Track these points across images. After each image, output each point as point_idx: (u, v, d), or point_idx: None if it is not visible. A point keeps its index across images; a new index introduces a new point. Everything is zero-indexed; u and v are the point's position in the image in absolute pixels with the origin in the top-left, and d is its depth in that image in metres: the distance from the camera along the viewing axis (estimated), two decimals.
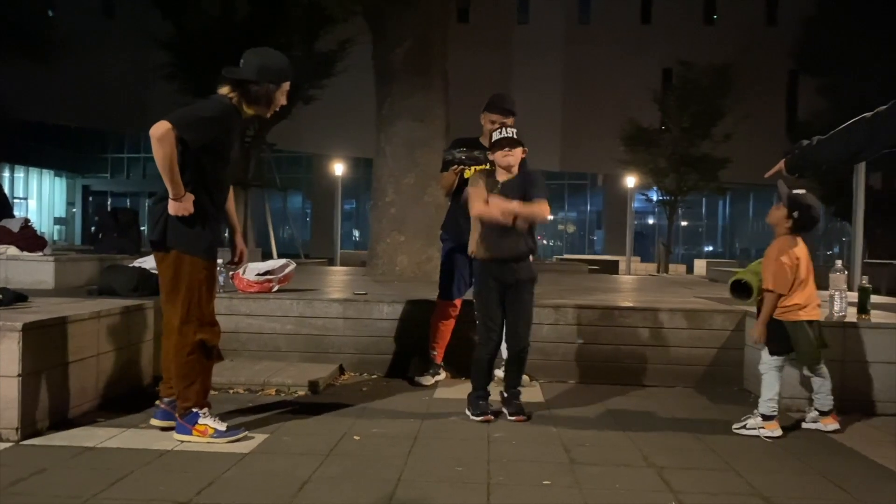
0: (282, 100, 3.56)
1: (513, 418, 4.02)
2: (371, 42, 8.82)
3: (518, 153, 4.01)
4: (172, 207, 3.34)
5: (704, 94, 22.08)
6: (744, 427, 3.88)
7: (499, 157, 4.01)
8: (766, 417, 3.84)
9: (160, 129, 3.20)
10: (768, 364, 3.90)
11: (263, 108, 3.54)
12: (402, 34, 8.38)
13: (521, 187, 3.97)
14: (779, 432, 3.81)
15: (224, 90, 3.46)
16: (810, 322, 3.85)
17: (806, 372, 4.02)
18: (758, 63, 24.98)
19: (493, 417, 3.99)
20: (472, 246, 4.07)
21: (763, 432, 3.81)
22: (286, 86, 3.54)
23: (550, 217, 4.14)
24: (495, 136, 4.03)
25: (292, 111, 20.81)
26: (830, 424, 3.93)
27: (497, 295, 4.00)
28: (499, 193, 3.91)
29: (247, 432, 3.56)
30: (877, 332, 4.49)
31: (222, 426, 3.50)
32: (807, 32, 23.08)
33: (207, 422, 3.48)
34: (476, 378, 4.11)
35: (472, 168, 4.65)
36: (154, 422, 3.67)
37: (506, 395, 4.13)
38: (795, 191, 3.92)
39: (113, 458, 3.22)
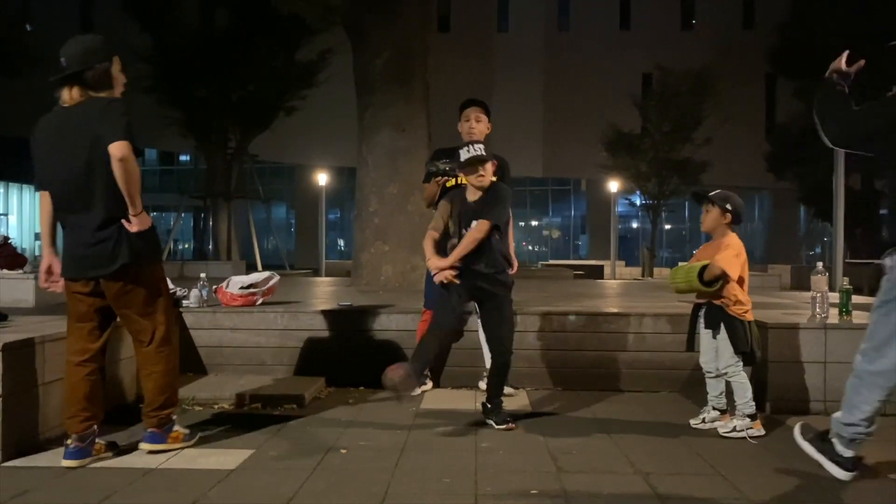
0: (121, 76, 3.42)
1: (502, 427, 4.02)
2: (351, 52, 8.83)
3: (490, 170, 4.03)
4: (139, 223, 3.24)
5: (684, 98, 22.26)
6: (733, 430, 3.91)
7: (473, 180, 4.03)
8: (752, 417, 3.91)
9: (125, 149, 3.11)
10: (735, 366, 3.94)
11: (111, 91, 3.37)
12: (382, 44, 8.40)
13: (478, 211, 4.01)
14: (763, 431, 3.89)
15: (66, 94, 3.30)
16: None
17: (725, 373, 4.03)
18: (736, 67, 25.26)
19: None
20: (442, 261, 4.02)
21: (751, 432, 3.86)
22: (117, 60, 3.41)
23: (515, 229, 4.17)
24: (464, 154, 4.00)
25: (274, 122, 20.85)
26: (730, 423, 3.99)
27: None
28: (456, 220, 4.03)
29: (196, 437, 3.66)
30: (859, 333, 4.51)
31: (186, 430, 3.62)
32: (783, 36, 23.38)
33: (179, 427, 3.57)
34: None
35: (455, 180, 4.65)
36: (67, 462, 3.30)
37: (490, 405, 4.13)
38: (711, 193, 4.07)
39: (96, 477, 3.18)
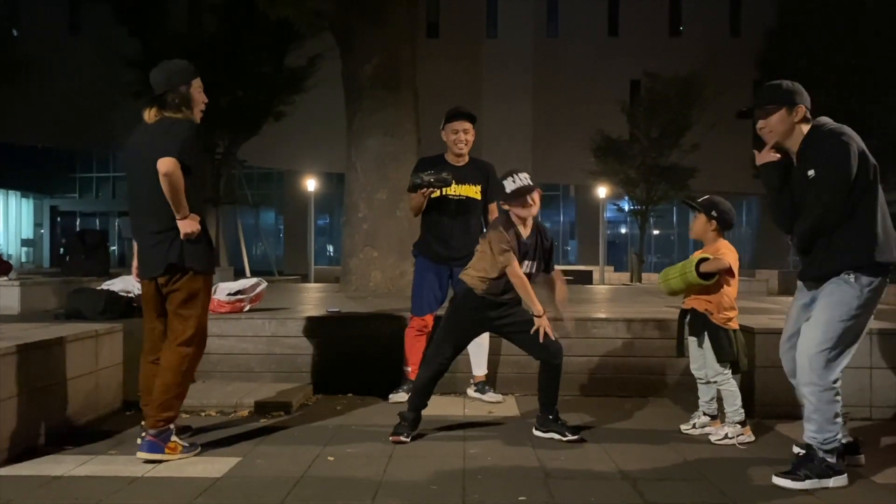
0: (200, 97, 3.71)
1: (573, 438, 3.88)
2: (340, 58, 8.82)
3: (538, 200, 3.87)
4: (185, 226, 3.50)
5: (672, 104, 22.37)
6: (725, 437, 3.91)
7: (521, 211, 3.83)
8: (742, 424, 3.92)
9: (169, 165, 3.40)
10: (724, 375, 3.95)
11: (189, 112, 3.66)
12: (371, 50, 8.39)
13: (539, 247, 3.93)
14: (752, 437, 3.90)
15: (146, 113, 3.64)
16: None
17: (714, 379, 4.01)
18: (723, 74, 25.38)
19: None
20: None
21: (741, 438, 3.87)
22: (197, 83, 3.70)
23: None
24: (511, 185, 3.79)
25: (263, 127, 20.80)
26: (721, 430, 3.96)
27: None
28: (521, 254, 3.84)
29: (198, 448, 3.65)
30: None
31: (187, 443, 3.61)
32: (769, 44, 23.57)
33: (177, 440, 3.56)
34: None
35: (440, 190, 4.64)
36: (141, 455, 3.48)
37: (552, 416, 3.99)
38: (699, 199, 4.08)
39: (81, 486, 3.15)
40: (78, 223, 34.56)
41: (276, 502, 2.94)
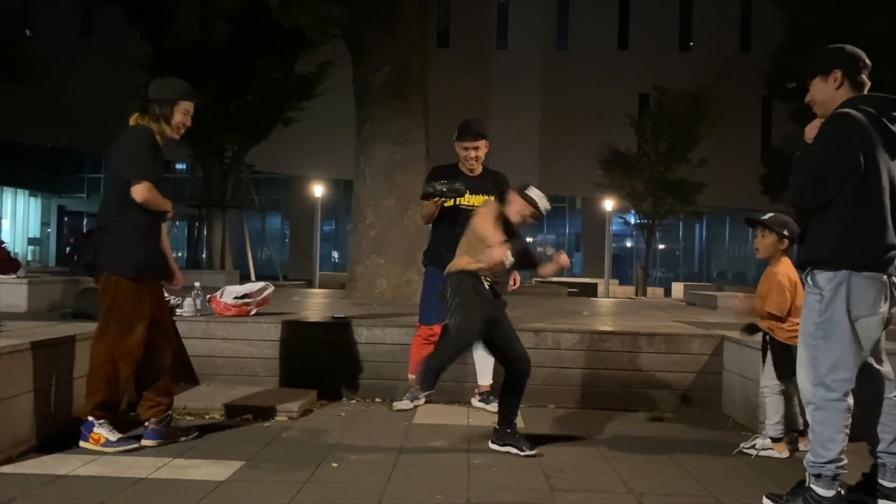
0: (180, 118, 3.78)
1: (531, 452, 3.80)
2: (351, 65, 8.86)
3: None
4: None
5: (680, 119, 22.35)
6: (753, 447, 3.94)
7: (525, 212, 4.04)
8: (774, 440, 3.93)
9: (144, 192, 3.56)
10: (771, 388, 3.95)
11: (166, 127, 3.76)
12: (382, 58, 8.43)
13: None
14: (786, 453, 3.90)
15: (132, 116, 3.78)
16: None
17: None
18: (732, 89, 25.41)
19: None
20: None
21: (772, 453, 3.89)
22: (184, 105, 3.78)
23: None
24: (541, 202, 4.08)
25: (272, 132, 20.86)
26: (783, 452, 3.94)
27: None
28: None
29: (137, 444, 3.71)
30: None
31: (114, 437, 3.67)
32: (778, 60, 23.56)
33: (101, 431, 3.66)
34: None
35: (453, 200, 4.65)
36: (145, 442, 3.75)
37: (510, 430, 3.92)
38: (765, 216, 4.03)
39: (85, 486, 3.15)
40: (85, 223, 34.65)
41: None
